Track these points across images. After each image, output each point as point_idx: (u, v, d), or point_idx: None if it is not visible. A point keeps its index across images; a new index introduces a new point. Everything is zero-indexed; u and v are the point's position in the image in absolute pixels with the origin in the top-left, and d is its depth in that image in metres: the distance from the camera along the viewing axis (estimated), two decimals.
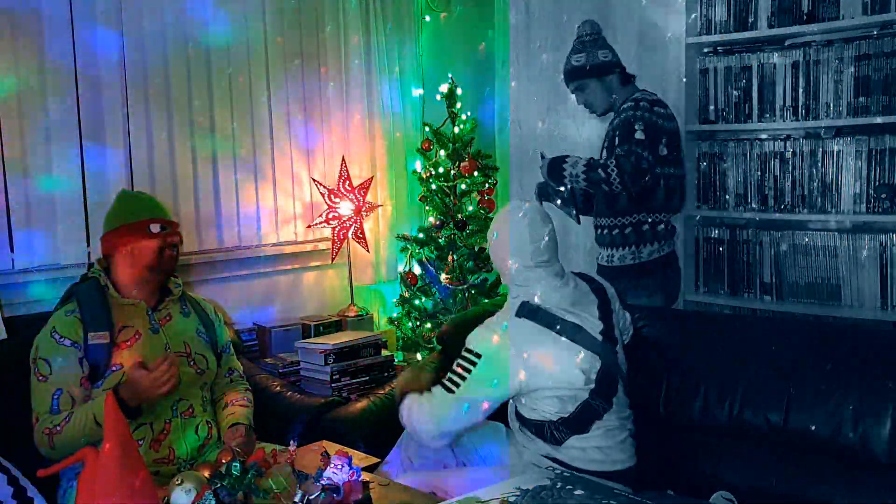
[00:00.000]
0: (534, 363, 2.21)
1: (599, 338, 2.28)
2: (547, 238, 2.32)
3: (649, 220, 2.98)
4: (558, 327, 2.24)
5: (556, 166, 2.98)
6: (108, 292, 2.40)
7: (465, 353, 2.25)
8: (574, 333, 2.25)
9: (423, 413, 2.25)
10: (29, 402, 2.30)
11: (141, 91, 3.26)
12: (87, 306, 2.34)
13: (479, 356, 2.22)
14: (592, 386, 2.23)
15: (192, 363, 2.47)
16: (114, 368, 2.31)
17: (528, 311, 2.26)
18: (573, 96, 3.64)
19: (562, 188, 3.05)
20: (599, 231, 3.10)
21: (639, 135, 2.83)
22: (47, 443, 2.21)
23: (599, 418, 2.23)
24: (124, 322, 2.38)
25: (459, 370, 2.23)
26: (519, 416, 2.33)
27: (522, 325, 2.24)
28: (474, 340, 2.26)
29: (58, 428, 2.20)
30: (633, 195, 2.91)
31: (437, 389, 2.26)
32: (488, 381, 2.21)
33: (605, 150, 3.03)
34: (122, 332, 2.37)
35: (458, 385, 2.22)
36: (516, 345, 2.21)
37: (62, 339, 2.29)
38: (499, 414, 2.54)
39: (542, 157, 3.07)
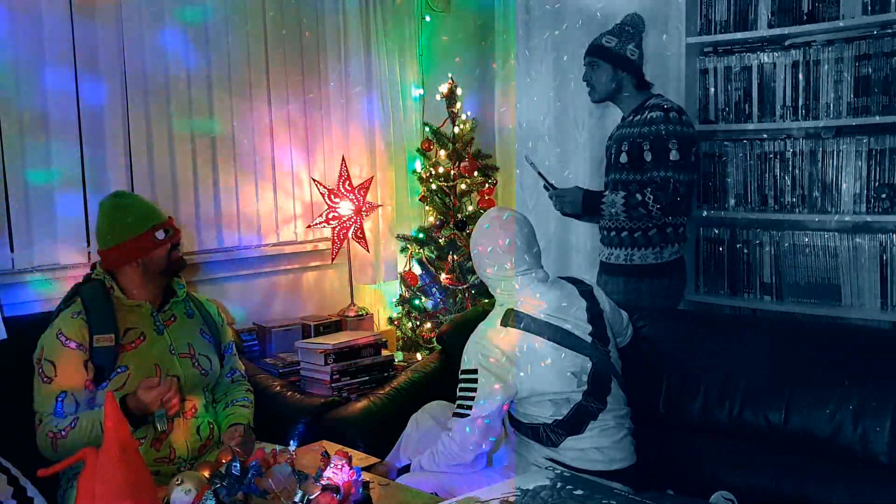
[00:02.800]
0: (524, 370, 2.21)
1: (588, 339, 2.28)
2: (527, 246, 2.33)
3: (673, 222, 3.00)
4: (545, 333, 2.25)
5: (591, 202, 2.99)
6: (112, 294, 2.39)
7: (463, 376, 2.26)
8: (562, 337, 2.25)
9: (453, 449, 2.23)
10: (30, 402, 2.30)
11: (141, 91, 3.26)
12: (92, 308, 2.34)
13: (475, 371, 2.23)
14: (585, 387, 2.23)
15: (195, 364, 2.47)
16: (118, 370, 2.31)
17: (514, 320, 2.26)
18: (574, 97, 3.65)
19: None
20: (617, 233, 3.06)
21: (674, 155, 2.85)
22: (50, 446, 2.21)
23: (594, 418, 2.24)
24: (129, 324, 2.38)
25: (465, 392, 2.24)
26: (514, 421, 2.33)
27: (508, 334, 2.25)
28: (466, 359, 2.28)
29: (63, 433, 2.20)
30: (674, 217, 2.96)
31: (453, 421, 2.26)
32: (493, 390, 2.21)
33: (625, 154, 2.98)
34: (126, 333, 2.36)
35: (470, 407, 2.22)
36: (505, 353, 2.22)
37: (68, 342, 2.28)
38: None
39: (530, 164, 3.07)
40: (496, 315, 2.32)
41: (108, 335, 2.31)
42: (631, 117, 3.02)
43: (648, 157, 2.90)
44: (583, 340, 2.27)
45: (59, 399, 2.24)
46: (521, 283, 2.32)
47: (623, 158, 2.99)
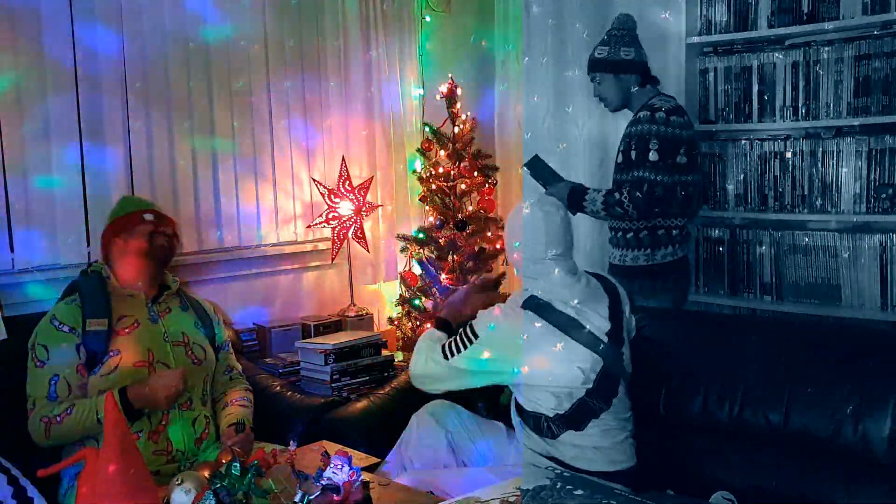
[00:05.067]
0: (531, 357, 2.21)
1: (605, 338, 2.28)
2: (562, 232, 2.33)
3: (665, 224, 2.99)
4: (560, 324, 2.24)
5: (576, 198, 3.01)
6: (109, 283, 2.44)
7: (467, 331, 2.32)
8: (576, 332, 2.25)
9: (419, 359, 2.38)
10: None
11: (141, 91, 3.25)
12: (87, 295, 2.39)
13: (476, 337, 2.28)
14: (590, 386, 2.23)
15: (189, 352, 2.49)
16: (111, 354, 2.33)
17: (535, 305, 2.27)
18: (574, 97, 3.65)
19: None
20: (614, 233, 3.11)
21: (652, 156, 2.86)
22: (43, 431, 2.22)
23: (596, 417, 2.24)
24: (124, 311, 2.42)
25: (458, 342, 2.32)
26: (519, 409, 2.33)
27: (526, 318, 2.25)
28: (479, 322, 2.31)
29: (58, 419, 2.21)
30: (650, 218, 2.95)
31: (437, 349, 2.35)
32: (476, 363, 2.27)
33: (620, 154, 3.02)
34: (121, 320, 2.40)
35: (453, 355, 2.31)
36: (517, 336, 2.22)
37: (61, 326, 2.32)
38: (499, 413, 2.54)
39: (533, 163, 3.08)
40: (519, 296, 2.34)
41: (101, 319, 2.35)
42: (634, 116, 3.03)
43: (632, 155, 2.93)
44: (598, 338, 2.27)
45: (52, 382, 2.26)
46: (550, 268, 2.32)
47: (619, 158, 3.02)
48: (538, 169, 3.12)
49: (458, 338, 2.32)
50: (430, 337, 2.44)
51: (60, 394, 2.26)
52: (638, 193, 2.87)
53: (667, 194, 2.88)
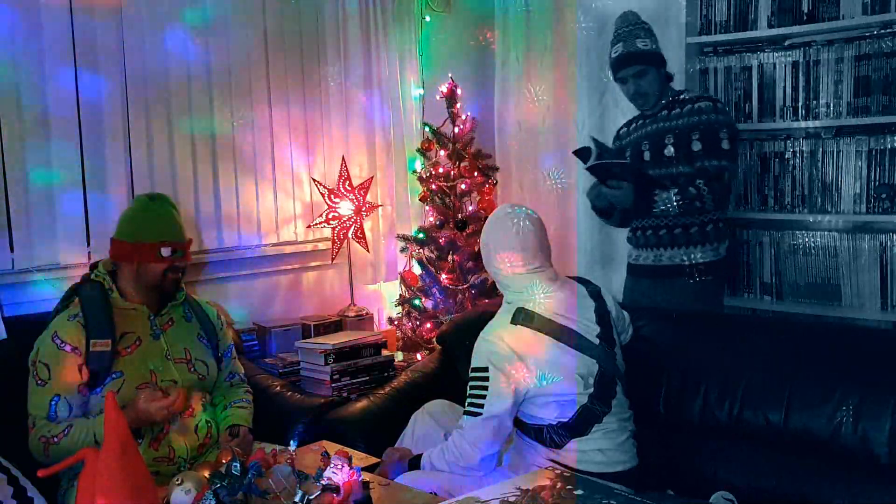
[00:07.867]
0: (532, 370, 2.20)
1: (596, 341, 2.27)
2: (538, 244, 2.31)
3: (721, 217, 2.92)
4: (554, 333, 2.24)
5: (643, 196, 2.82)
6: (111, 297, 2.39)
7: (474, 374, 2.24)
8: (570, 338, 2.24)
9: (464, 447, 2.21)
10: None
11: (141, 91, 3.26)
12: (90, 312, 2.33)
13: (486, 369, 2.21)
14: (591, 390, 2.23)
15: (192, 370, 2.47)
16: (113, 376, 2.31)
17: (524, 318, 2.25)
18: (574, 97, 3.61)
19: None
20: (651, 232, 2.96)
21: (725, 144, 2.79)
22: (42, 451, 2.22)
23: (599, 421, 2.23)
24: (126, 328, 2.38)
25: (476, 391, 2.22)
26: (517, 422, 2.32)
27: (519, 332, 2.24)
28: (477, 357, 2.25)
29: (55, 439, 2.20)
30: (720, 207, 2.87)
31: (464, 419, 2.23)
32: (504, 388, 2.19)
33: (671, 147, 2.87)
34: (122, 338, 2.37)
35: (481, 406, 2.20)
36: (515, 351, 2.21)
37: (63, 345, 2.29)
38: None
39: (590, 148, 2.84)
40: (506, 312, 2.30)
41: (105, 340, 2.31)
42: (664, 111, 2.92)
43: (697, 146, 2.81)
44: (590, 342, 2.27)
45: (53, 402, 2.25)
46: (531, 281, 2.30)
47: (669, 151, 2.88)
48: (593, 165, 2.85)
49: (472, 388, 2.23)
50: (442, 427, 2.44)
51: (60, 414, 2.25)
52: (718, 184, 2.79)
53: (734, 183, 2.85)
